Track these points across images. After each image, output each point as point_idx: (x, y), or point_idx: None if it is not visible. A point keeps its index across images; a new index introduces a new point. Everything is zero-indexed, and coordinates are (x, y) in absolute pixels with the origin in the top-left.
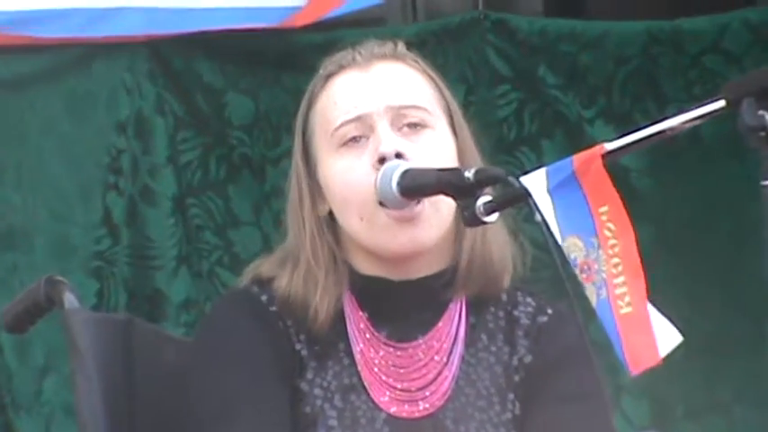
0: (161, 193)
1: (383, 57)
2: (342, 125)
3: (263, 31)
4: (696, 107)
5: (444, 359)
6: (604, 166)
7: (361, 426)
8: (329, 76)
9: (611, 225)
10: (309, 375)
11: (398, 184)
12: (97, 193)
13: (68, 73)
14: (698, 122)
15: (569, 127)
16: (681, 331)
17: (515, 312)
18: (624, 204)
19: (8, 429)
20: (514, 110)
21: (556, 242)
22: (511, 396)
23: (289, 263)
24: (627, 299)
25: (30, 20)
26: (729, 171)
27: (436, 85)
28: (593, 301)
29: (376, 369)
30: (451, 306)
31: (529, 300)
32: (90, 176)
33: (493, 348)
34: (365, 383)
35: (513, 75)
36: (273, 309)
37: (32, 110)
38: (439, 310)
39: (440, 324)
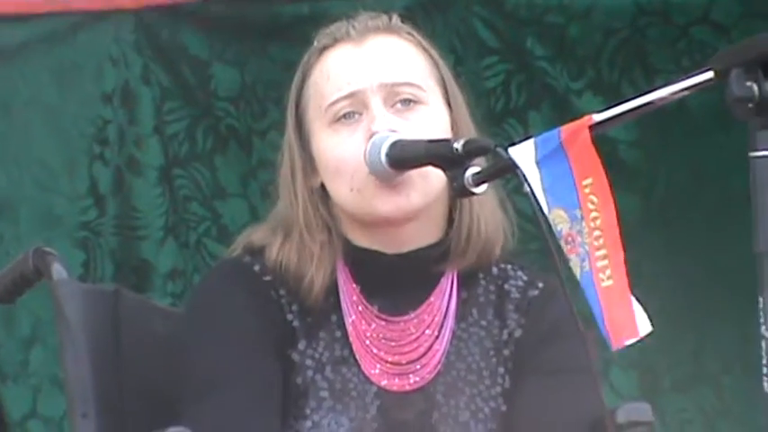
0: (147, 164)
1: (377, 30)
2: (335, 101)
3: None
4: (684, 78)
5: (435, 333)
6: (592, 137)
7: (351, 398)
8: (323, 49)
9: (593, 198)
10: (301, 346)
11: (387, 155)
12: (83, 163)
13: (54, 44)
14: (686, 93)
15: (557, 99)
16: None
17: (506, 286)
18: (609, 176)
19: None
20: (502, 81)
21: (544, 214)
22: (501, 370)
23: (280, 232)
24: (608, 272)
25: None
26: (716, 142)
27: (431, 57)
28: (577, 273)
29: (368, 342)
30: (443, 280)
31: (520, 273)
32: (76, 147)
33: (483, 323)
34: (356, 356)
35: (501, 46)
36: (267, 278)
37: (18, 81)
38: (431, 283)
39: (431, 298)
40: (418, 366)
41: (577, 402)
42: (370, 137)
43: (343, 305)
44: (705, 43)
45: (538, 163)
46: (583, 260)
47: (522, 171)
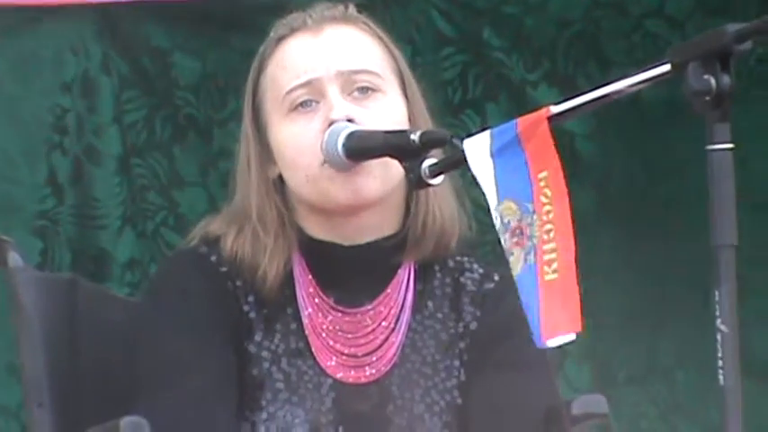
0: (106, 153)
1: (334, 20)
2: (292, 90)
3: None
4: (641, 71)
5: (392, 325)
6: (550, 129)
7: (307, 390)
8: (280, 40)
9: (547, 191)
10: (257, 338)
11: (344, 145)
12: (42, 152)
13: (14, 35)
14: (643, 86)
15: (513, 90)
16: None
17: (462, 279)
18: (564, 170)
19: None
20: (459, 72)
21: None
22: (456, 363)
23: (236, 223)
24: (554, 266)
25: None
26: (670, 135)
27: (387, 48)
28: (519, 266)
29: (324, 334)
30: (400, 272)
31: (476, 266)
32: (35, 136)
33: (439, 315)
34: (312, 348)
35: (458, 37)
36: (224, 269)
37: None
38: (387, 276)
39: (388, 290)
40: (374, 359)
41: (532, 395)
42: (329, 125)
43: (299, 297)
44: (659, 36)
45: (492, 155)
46: (528, 253)
47: (467, 162)
